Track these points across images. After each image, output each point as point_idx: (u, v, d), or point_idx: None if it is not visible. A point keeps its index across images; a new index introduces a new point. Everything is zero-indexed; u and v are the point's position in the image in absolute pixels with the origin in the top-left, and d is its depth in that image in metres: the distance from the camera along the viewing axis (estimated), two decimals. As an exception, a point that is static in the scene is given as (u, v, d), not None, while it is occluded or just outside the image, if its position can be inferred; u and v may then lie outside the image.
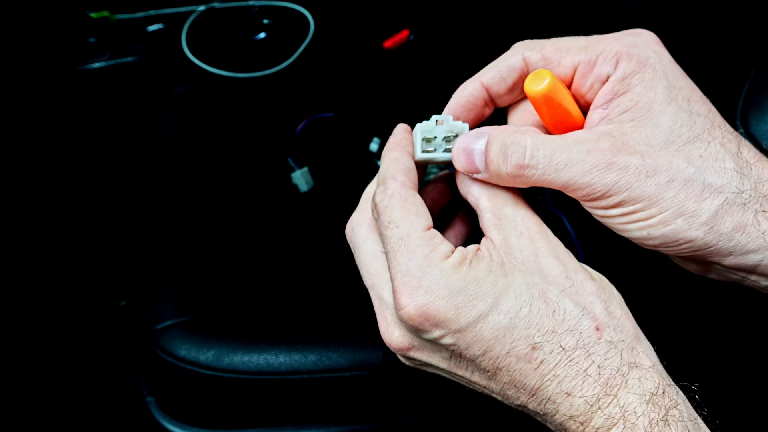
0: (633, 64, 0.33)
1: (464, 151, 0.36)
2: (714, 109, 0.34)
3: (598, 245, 0.68)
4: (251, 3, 0.93)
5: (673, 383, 0.31)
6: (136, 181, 0.90)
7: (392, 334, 0.35)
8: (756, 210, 0.31)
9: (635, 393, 0.30)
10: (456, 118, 0.38)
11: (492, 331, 0.31)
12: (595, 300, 0.32)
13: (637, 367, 0.31)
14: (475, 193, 0.36)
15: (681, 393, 0.31)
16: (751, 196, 0.31)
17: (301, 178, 0.75)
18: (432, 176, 0.43)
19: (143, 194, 0.79)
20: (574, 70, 0.35)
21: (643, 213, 0.32)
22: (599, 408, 0.30)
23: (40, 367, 0.87)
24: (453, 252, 0.34)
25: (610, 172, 0.32)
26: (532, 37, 0.38)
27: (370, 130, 0.79)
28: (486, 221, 0.35)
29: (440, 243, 0.34)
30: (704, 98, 0.34)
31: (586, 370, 0.30)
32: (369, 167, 0.77)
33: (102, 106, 0.93)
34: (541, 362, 0.31)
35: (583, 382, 0.30)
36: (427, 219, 0.35)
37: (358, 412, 0.66)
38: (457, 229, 0.43)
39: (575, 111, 0.35)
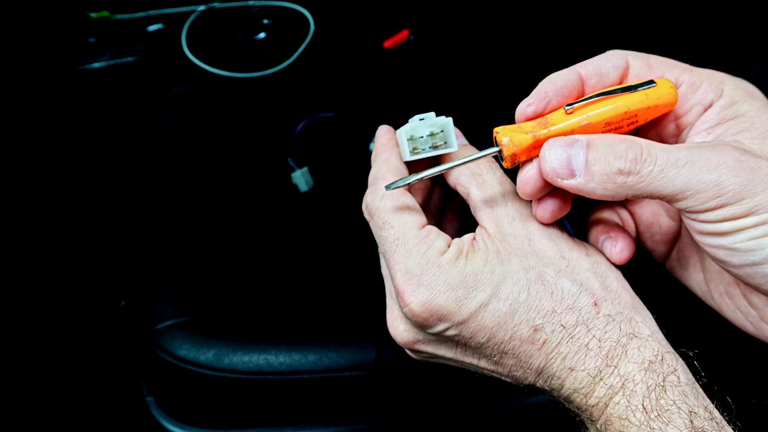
0: (740, 93, 0.33)
1: (563, 152, 0.31)
2: None
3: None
4: (251, 3, 0.93)
5: (672, 350, 0.32)
6: (136, 181, 0.90)
7: (397, 328, 0.36)
8: None
9: (634, 362, 0.31)
10: (545, 100, 0.34)
11: (494, 319, 0.32)
12: (591, 276, 0.33)
13: (636, 336, 0.32)
14: (464, 183, 0.37)
15: (680, 360, 0.32)
16: None
17: (301, 178, 0.75)
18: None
19: (143, 194, 0.79)
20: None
21: (746, 209, 0.28)
22: (601, 379, 0.31)
23: (40, 367, 0.87)
24: (449, 246, 0.34)
25: (741, 170, 0.28)
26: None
27: (370, 130, 0.79)
28: (478, 210, 0.36)
29: (436, 239, 0.34)
30: None
31: (587, 344, 0.32)
32: (369, 167, 0.77)
33: (102, 106, 0.93)
34: (544, 342, 0.32)
35: (585, 356, 0.31)
36: (420, 217, 0.35)
37: (358, 412, 0.66)
38: (448, 223, 0.44)
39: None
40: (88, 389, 0.90)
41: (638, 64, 0.34)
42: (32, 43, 0.86)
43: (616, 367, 0.31)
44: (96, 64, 0.88)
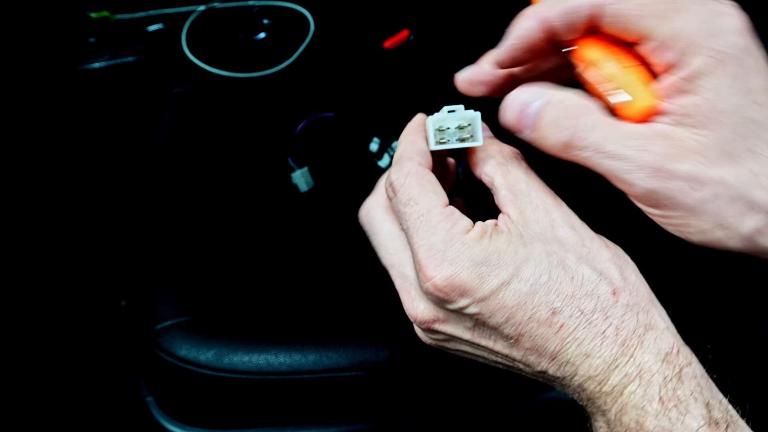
0: (708, 62, 0.29)
1: (519, 105, 0.34)
2: None
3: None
4: (251, 3, 0.93)
5: (685, 345, 0.32)
6: (136, 181, 0.90)
7: (417, 308, 0.36)
8: None
9: (651, 352, 0.31)
10: (514, 60, 0.35)
11: (514, 298, 0.32)
12: (611, 266, 0.33)
13: (652, 328, 0.32)
14: (489, 172, 0.37)
15: (693, 354, 0.32)
16: None
17: (301, 178, 0.75)
18: None
19: (143, 194, 0.79)
20: (641, 38, 0.31)
21: (681, 220, 0.31)
22: (617, 367, 0.31)
23: (40, 367, 0.87)
24: (473, 226, 0.34)
25: (654, 179, 0.30)
26: None
27: (370, 130, 0.79)
28: (502, 198, 0.36)
29: (460, 218, 0.34)
30: None
31: (604, 331, 0.31)
32: (369, 167, 0.77)
33: (102, 107, 0.93)
34: (561, 326, 0.32)
35: (602, 343, 0.31)
36: (444, 196, 0.36)
37: (358, 412, 0.66)
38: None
39: (636, 89, 0.32)
40: (88, 389, 0.90)
41: (611, 10, 0.31)
42: (32, 43, 0.86)
43: (632, 356, 0.31)
44: (96, 64, 0.88)
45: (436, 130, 0.38)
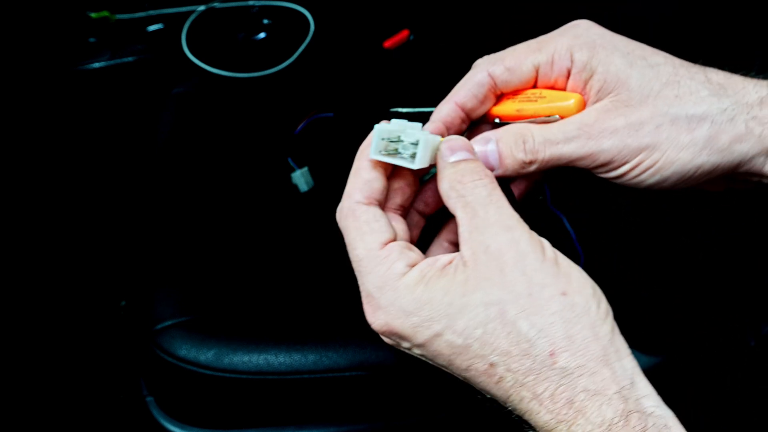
0: (586, 51, 0.37)
1: (479, 156, 0.38)
2: (669, 55, 0.38)
3: (598, 245, 0.68)
4: (251, 3, 0.93)
5: (642, 408, 0.29)
6: (136, 181, 0.90)
7: (375, 318, 0.36)
8: (745, 120, 0.35)
9: (592, 422, 0.29)
10: (439, 130, 0.40)
11: (449, 349, 0.32)
12: (556, 320, 0.31)
13: (598, 393, 0.29)
14: (451, 206, 0.36)
15: (653, 417, 0.29)
16: (734, 109, 0.35)
17: (301, 178, 0.75)
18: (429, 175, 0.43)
19: (143, 194, 0.79)
20: (536, 71, 0.39)
21: (649, 161, 0.36)
22: None
23: (40, 367, 0.87)
24: (412, 268, 0.34)
25: (603, 138, 0.36)
26: (530, 37, 0.40)
27: (370, 130, 0.79)
28: (460, 234, 0.34)
29: (396, 260, 0.34)
30: (656, 51, 0.38)
31: (540, 395, 0.30)
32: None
33: (102, 107, 0.93)
34: (500, 379, 0.31)
35: (540, 407, 0.30)
36: (383, 234, 0.35)
37: (358, 412, 0.66)
38: (452, 227, 0.43)
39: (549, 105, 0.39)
40: (88, 389, 0.90)
41: (499, 70, 0.39)
42: (32, 43, 0.86)
43: (572, 424, 0.29)
44: (96, 64, 0.88)
45: (383, 139, 0.37)
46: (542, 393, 0.30)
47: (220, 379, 0.60)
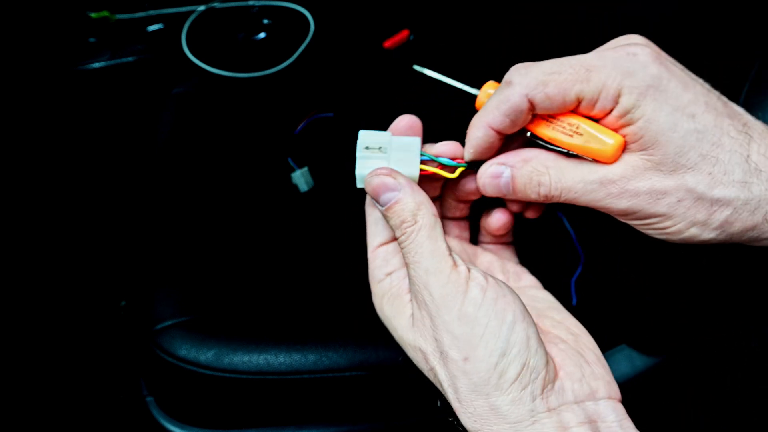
0: (633, 97, 0.34)
1: (491, 178, 0.39)
2: (722, 109, 0.34)
3: (598, 245, 0.68)
4: (251, 3, 0.93)
5: None
6: (135, 181, 0.90)
7: None
8: (765, 211, 0.34)
9: None
10: (480, 157, 0.40)
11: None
12: (458, 383, 0.33)
13: None
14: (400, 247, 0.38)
15: None
16: (759, 201, 0.34)
17: (301, 178, 0.75)
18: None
19: (143, 194, 0.79)
20: (579, 102, 0.36)
21: (659, 225, 0.36)
22: None
23: (40, 367, 0.87)
24: (386, 277, 0.39)
25: (623, 198, 0.35)
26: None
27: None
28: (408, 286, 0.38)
29: (376, 268, 0.39)
30: (709, 104, 0.34)
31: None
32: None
33: (102, 107, 0.93)
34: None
35: None
36: (375, 237, 0.40)
37: (358, 412, 0.66)
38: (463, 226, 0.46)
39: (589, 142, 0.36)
40: (88, 389, 0.90)
41: (539, 98, 0.35)
42: (32, 43, 0.86)
43: None
44: (96, 64, 0.88)
45: (364, 147, 0.39)
46: None
47: (220, 379, 0.60)
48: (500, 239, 0.46)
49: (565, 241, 0.69)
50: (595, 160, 0.36)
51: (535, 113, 0.37)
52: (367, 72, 0.89)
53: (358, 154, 0.38)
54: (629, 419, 0.33)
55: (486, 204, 0.44)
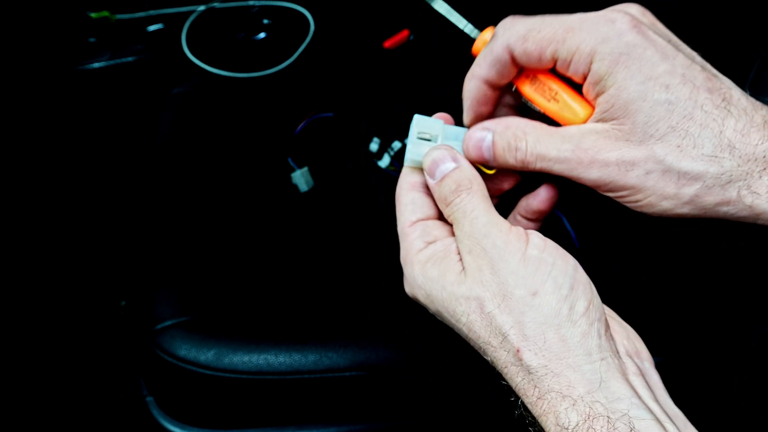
0: (606, 64, 0.34)
1: (476, 143, 0.40)
2: (701, 82, 0.34)
3: (597, 245, 0.68)
4: (251, 3, 0.93)
5: (612, 411, 0.30)
6: (135, 181, 0.90)
7: None
8: (740, 186, 0.33)
9: (560, 424, 0.30)
10: (477, 114, 0.42)
11: (450, 322, 0.37)
12: (525, 320, 0.33)
13: (566, 396, 0.31)
14: (447, 218, 0.39)
15: (623, 420, 0.29)
16: (731, 175, 0.33)
17: (301, 178, 0.75)
18: None
19: (143, 194, 0.79)
20: (555, 61, 0.37)
21: (631, 198, 0.36)
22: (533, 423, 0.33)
23: (40, 367, 0.87)
24: (428, 246, 0.38)
25: (593, 168, 0.36)
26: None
27: (370, 130, 0.79)
28: (458, 244, 0.38)
29: (417, 237, 0.39)
30: (687, 76, 0.34)
31: (518, 386, 0.33)
32: (369, 167, 0.77)
33: (101, 107, 0.93)
34: (491, 361, 0.35)
35: (522, 395, 0.33)
36: (414, 214, 0.40)
37: (358, 412, 0.66)
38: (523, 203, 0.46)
39: (563, 108, 0.39)
40: (88, 389, 0.90)
41: (518, 51, 0.37)
42: (32, 43, 0.86)
43: (546, 423, 0.31)
44: (96, 64, 0.88)
45: (417, 131, 0.41)
46: (518, 384, 0.33)
47: (220, 379, 0.60)
48: (540, 216, 0.46)
49: (564, 240, 0.69)
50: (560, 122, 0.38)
51: (522, 68, 0.39)
52: (367, 72, 0.89)
53: (410, 138, 0.41)
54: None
55: (513, 194, 0.46)
